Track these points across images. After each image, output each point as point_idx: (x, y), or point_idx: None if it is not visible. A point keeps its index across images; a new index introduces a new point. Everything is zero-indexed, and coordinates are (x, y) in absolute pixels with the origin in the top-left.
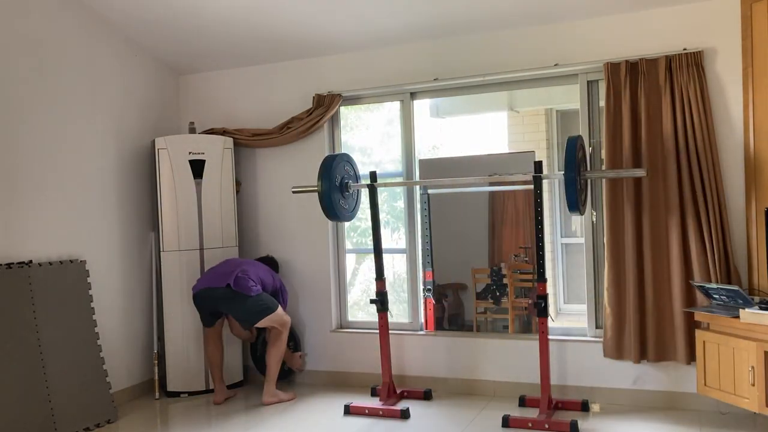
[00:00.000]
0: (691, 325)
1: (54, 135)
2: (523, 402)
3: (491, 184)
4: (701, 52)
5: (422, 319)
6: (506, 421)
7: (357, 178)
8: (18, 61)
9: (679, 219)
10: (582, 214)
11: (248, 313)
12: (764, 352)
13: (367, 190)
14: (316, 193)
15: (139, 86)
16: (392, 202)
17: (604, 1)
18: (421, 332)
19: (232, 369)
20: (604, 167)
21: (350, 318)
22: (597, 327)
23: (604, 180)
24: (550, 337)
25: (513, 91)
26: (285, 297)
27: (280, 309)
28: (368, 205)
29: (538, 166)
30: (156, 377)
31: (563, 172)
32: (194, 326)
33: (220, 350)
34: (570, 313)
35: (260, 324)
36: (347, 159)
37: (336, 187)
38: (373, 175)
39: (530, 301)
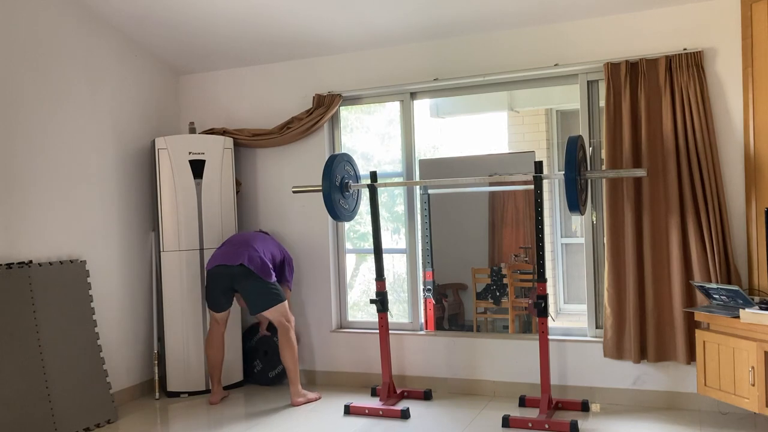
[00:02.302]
0: (691, 325)
1: (54, 135)
2: (523, 402)
3: (491, 184)
4: (701, 52)
5: (422, 319)
6: (506, 421)
7: (357, 178)
8: (18, 61)
9: (679, 219)
10: (582, 214)
11: (259, 296)
12: (764, 352)
13: (367, 190)
14: (316, 193)
15: (139, 86)
16: (392, 207)
17: (604, 1)
18: (421, 332)
19: (232, 369)
20: (604, 167)
21: (350, 318)
22: (597, 327)
23: (604, 180)
24: (550, 337)
25: (513, 91)
26: (291, 266)
27: (286, 302)
28: (368, 207)
29: (538, 166)
30: (156, 377)
31: (564, 172)
32: (194, 326)
33: (222, 350)
34: (570, 313)
35: (267, 314)
36: (347, 159)
37: (336, 187)
38: (373, 175)
39: (530, 301)
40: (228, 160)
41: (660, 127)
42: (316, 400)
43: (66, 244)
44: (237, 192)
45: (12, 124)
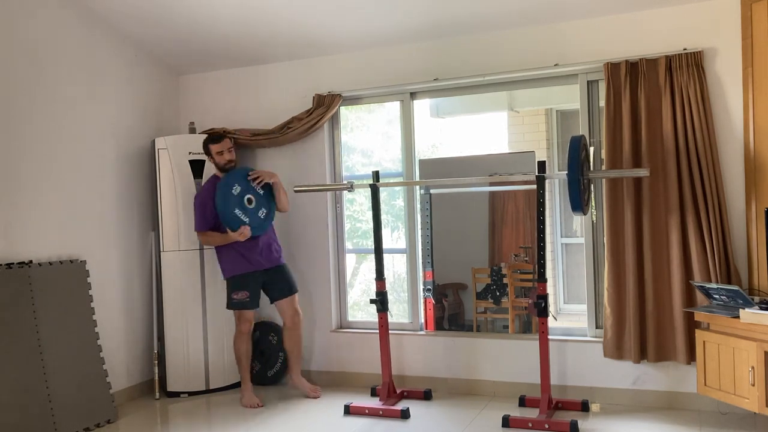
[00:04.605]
0: (691, 325)
1: (54, 135)
2: (523, 402)
3: (491, 184)
4: (701, 52)
5: (422, 319)
6: (506, 421)
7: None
8: (18, 61)
9: (679, 219)
10: (585, 214)
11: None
12: (764, 352)
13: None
14: (316, 193)
15: (139, 86)
16: (391, 200)
17: (604, 1)
18: (421, 332)
19: (232, 369)
20: (604, 167)
21: (350, 318)
22: (597, 327)
23: (604, 180)
24: (550, 337)
25: (513, 91)
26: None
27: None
28: (365, 207)
29: (541, 166)
30: (156, 377)
31: (566, 172)
32: (194, 326)
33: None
34: (570, 313)
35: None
36: (246, 172)
37: (235, 201)
38: (376, 175)
39: (530, 301)
40: None
41: (660, 127)
42: (255, 406)
43: (66, 244)
44: None
45: (12, 124)
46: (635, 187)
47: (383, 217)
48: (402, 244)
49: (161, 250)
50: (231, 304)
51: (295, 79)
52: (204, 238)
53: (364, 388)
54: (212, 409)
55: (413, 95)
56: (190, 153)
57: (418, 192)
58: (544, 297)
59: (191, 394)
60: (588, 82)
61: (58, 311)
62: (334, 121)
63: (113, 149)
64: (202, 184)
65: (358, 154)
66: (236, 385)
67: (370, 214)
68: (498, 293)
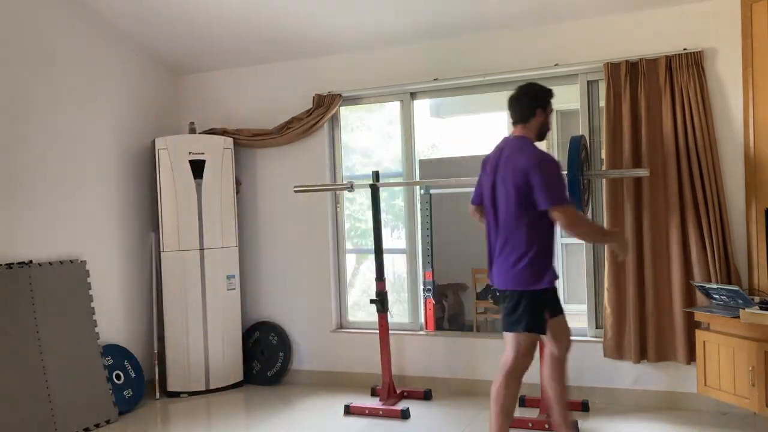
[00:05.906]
0: (691, 325)
1: (54, 135)
2: (523, 402)
3: None
4: (701, 52)
5: (422, 319)
6: None
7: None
8: (17, 62)
9: (679, 219)
10: (585, 214)
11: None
12: (764, 352)
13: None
14: (316, 193)
15: (139, 86)
16: (391, 200)
17: (604, 1)
18: (421, 332)
19: (232, 369)
20: (604, 167)
21: (350, 318)
22: (597, 327)
23: (604, 180)
24: None
25: None
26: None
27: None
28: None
29: None
30: (156, 377)
31: (566, 173)
32: (194, 326)
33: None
34: (570, 313)
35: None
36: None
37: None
38: (375, 175)
39: None
40: (228, 160)
41: (660, 127)
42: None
43: (66, 244)
44: (237, 192)
45: (12, 125)
46: (635, 187)
47: (383, 217)
48: (402, 244)
49: (161, 250)
50: (540, 326)
51: (295, 79)
52: (577, 218)
53: (364, 388)
54: (212, 409)
55: (413, 95)
56: (190, 153)
57: (418, 192)
58: None
59: (191, 394)
60: (588, 82)
61: (58, 311)
62: (334, 121)
63: (113, 149)
64: (528, 151)
65: (358, 154)
66: (235, 386)
67: (370, 214)
68: (498, 293)
